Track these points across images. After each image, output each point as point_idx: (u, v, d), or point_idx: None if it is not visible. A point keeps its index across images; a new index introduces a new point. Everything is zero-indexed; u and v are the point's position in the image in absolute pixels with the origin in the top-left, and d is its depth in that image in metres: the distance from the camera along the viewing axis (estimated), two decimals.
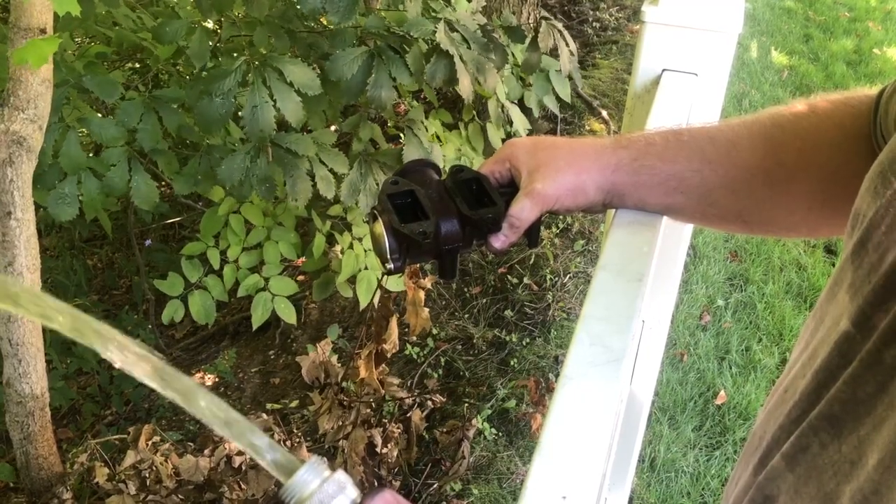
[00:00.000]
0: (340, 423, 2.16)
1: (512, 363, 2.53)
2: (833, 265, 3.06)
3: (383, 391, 2.24)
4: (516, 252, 2.92)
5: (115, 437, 2.10)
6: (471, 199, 0.70)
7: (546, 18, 2.09)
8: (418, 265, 1.76)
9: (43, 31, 1.45)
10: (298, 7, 1.94)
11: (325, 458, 0.47)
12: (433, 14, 1.82)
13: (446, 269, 0.70)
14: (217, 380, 2.71)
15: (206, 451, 1.99)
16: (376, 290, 2.21)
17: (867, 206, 0.48)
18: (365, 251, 2.21)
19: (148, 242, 3.13)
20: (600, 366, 0.55)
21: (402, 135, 1.95)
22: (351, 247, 2.20)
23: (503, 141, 2.36)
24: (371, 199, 1.87)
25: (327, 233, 2.25)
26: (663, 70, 1.07)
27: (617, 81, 4.05)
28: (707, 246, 3.15)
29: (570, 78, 2.32)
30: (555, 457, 0.49)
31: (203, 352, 2.95)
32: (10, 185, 1.52)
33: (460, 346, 2.63)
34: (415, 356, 2.58)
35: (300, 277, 2.68)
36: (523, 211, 0.69)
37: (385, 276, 2.06)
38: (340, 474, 0.45)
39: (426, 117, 2.19)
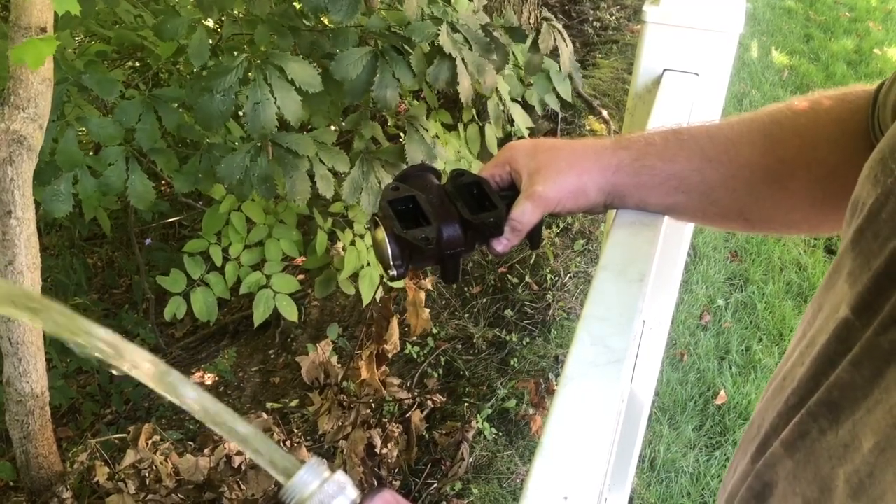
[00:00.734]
0: (340, 424, 2.17)
1: (512, 363, 2.53)
2: None
3: (384, 392, 2.24)
4: (516, 252, 2.92)
5: (114, 436, 2.10)
6: (472, 204, 0.70)
7: (547, 19, 2.09)
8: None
9: (43, 30, 1.44)
10: (299, 6, 1.95)
11: (324, 460, 0.47)
12: (434, 14, 1.81)
13: (449, 274, 0.69)
14: (217, 379, 2.71)
15: (206, 451, 1.99)
16: (378, 286, 2.21)
17: (867, 193, 0.48)
18: (367, 248, 2.21)
19: (148, 241, 3.13)
20: (601, 366, 0.55)
21: (401, 134, 1.95)
22: (353, 244, 2.20)
23: (499, 141, 2.36)
24: (373, 197, 1.86)
25: (329, 230, 2.25)
26: (664, 70, 1.07)
27: (617, 81, 4.05)
28: (707, 246, 3.15)
29: (571, 78, 2.31)
30: (556, 457, 0.49)
31: (203, 351, 2.95)
32: (10, 183, 1.51)
33: (460, 346, 2.62)
34: (415, 356, 2.58)
35: (300, 277, 2.68)
36: (525, 214, 0.69)
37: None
38: (340, 475, 0.45)
39: (426, 118, 2.18)
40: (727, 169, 0.69)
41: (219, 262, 2.17)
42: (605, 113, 3.70)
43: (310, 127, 2.15)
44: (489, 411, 2.35)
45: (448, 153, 2.21)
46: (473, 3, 2.08)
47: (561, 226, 3.08)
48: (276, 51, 1.67)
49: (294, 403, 2.45)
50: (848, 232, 0.50)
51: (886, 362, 0.44)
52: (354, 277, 2.23)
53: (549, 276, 2.85)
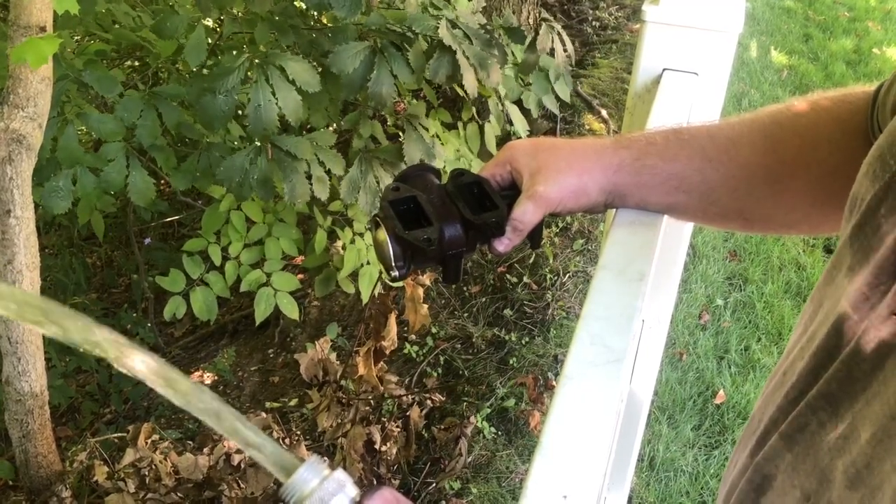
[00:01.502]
0: (339, 421, 2.17)
1: (511, 362, 2.53)
2: None
3: (382, 388, 2.24)
4: (516, 251, 2.92)
5: (114, 435, 2.10)
6: (473, 204, 0.70)
7: (546, 19, 2.08)
8: None
9: (42, 30, 1.44)
10: (299, 4, 1.94)
11: (324, 457, 0.47)
12: (434, 12, 1.81)
13: (450, 274, 0.69)
14: (216, 378, 2.71)
15: (206, 450, 1.99)
16: (377, 281, 2.21)
17: (865, 189, 0.49)
18: (367, 246, 2.21)
19: (147, 241, 3.13)
20: (601, 365, 0.55)
21: (401, 133, 1.95)
22: (352, 242, 2.20)
23: (498, 141, 2.36)
24: (371, 196, 1.86)
25: (328, 229, 2.25)
26: (664, 69, 1.07)
27: (617, 81, 4.05)
28: (706, 245, 3.15)
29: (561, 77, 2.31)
30: (555, 456, 0.49)
31: (202, 350, 2.95)
32: (9, 183, 1.51)
33: (459, 345, 2.63)
34: (414, 355, 2.58)
35: (300, 276, 2.68)
36: (526, 214, 0.69)
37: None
38: (340, 473, 0.45)
39: (426, 116, 2.18)
40: (727, 169, 0.69)
41: (218, 262, 2.17)
42: (604, 112, 3.70)
43: (309, 127, 2.15)
44: (488, 410, 2.35)
45: (448, 152, 2.21)
46: (472, 4, 2.08)
47: (560, 225, 3.08)
48: (276, 50, 1.67)
49: (293, 402, 2.45)
50: (847, 227, 0.50)
51: (885, 355, 0.44)
52: (354, 276, 2.23)
53: (548, 276, 2.85)
